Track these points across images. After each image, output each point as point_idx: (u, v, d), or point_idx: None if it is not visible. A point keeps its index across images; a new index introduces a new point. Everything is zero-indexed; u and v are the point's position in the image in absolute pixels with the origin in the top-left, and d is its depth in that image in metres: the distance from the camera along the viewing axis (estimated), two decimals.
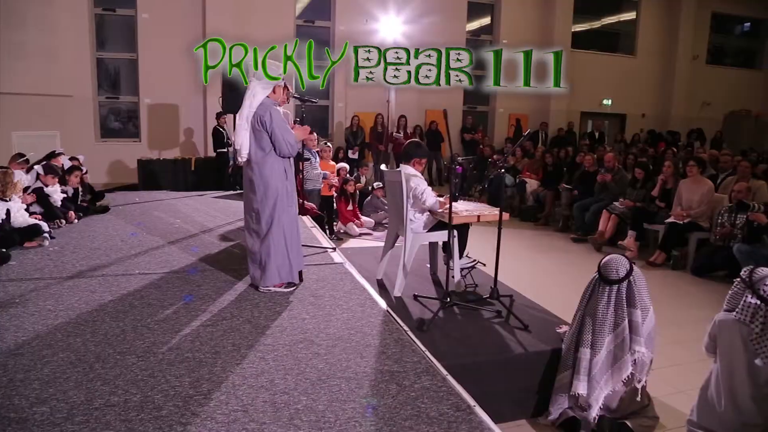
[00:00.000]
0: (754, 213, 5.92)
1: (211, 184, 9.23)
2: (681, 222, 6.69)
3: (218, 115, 9.68)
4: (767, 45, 18.39)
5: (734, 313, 2.88)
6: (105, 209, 6.37)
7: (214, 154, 10.00)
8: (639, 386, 3.01)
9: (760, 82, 18.33)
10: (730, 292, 2.95)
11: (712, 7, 16.99)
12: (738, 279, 2.92)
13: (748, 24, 18.72)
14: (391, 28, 12.16)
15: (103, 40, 11.47)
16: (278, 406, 2.28)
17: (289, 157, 3.65)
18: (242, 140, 3.53)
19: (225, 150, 9.67)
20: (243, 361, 2.68)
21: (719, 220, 6.32)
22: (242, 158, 3.61)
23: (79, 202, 6.13)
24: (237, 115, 3.64)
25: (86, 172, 6.91)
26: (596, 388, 2.98)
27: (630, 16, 16.26)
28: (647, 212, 7.23)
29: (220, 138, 9.71)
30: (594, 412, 2.98)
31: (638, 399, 3.03)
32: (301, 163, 6.26)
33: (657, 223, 7.05)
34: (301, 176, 5.95)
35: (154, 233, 5.25)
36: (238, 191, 7.99)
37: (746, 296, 2.82)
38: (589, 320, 3.07)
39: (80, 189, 6.28)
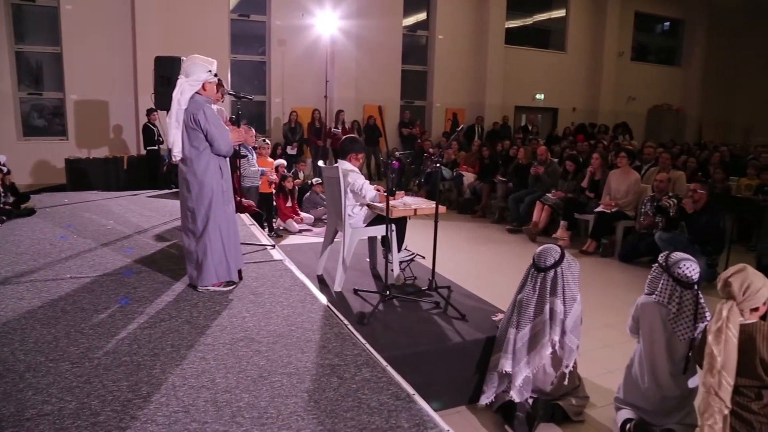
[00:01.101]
0: (674, 204, 6.29)
1: (145, 183, 8.96)
2: (609, 211, 7.03)
3: (149, 112, 9.41)
4: (685, 44, 19.45)
5: (654, 295, 3.08)
6: (31, 212, 6.08)
7: (145, 152, 9.72)
8: (566, 371, 3.16)
9: (680, 78, 19.40)
10: (649, 276, 3.16)
11: (635, 7, 17.84)
12: (656, 264, 3.13)
13: (667, 23, 19.75)
14: (327, 23, 12.14)
15: (23, 33, 10.89)
16: (220, 405, 2.29)
17: (225, 155, 3.62)
18: (173, 138, 3.47)
19: (156, 148, 9.41)
20: (183, 362, 2.65)
21: (642, 209, 6.69)
22: (175, 157, 3.55)
23: (1, 205, 5.84)
24: (168, 113, 3.57)
25: (8, 173, 6.57)
26: (518, 366, 3.11)
27: (560, 13, 16.85)
28: (578, 203, 7.55)
29: (150, 135, 9.45)
30: (517, 385, 3.11)
31: (565, 383, 3.19)
32: (237, 161, 6.19)
33: (587, 213, 7.38)
34: (238, 174, 5.88)
35: (85, 235, 5.07)
36: (174, 190, 7.80)
37: (663, 279, 3.02)
38: (518, 304, 3.22)
39: (2, 191, 5.98)
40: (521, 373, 3.11)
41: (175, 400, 2.31)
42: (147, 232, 5.32)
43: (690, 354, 2.95)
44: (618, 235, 7.01)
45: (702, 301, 2.96)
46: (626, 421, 3.02)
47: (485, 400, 3.21)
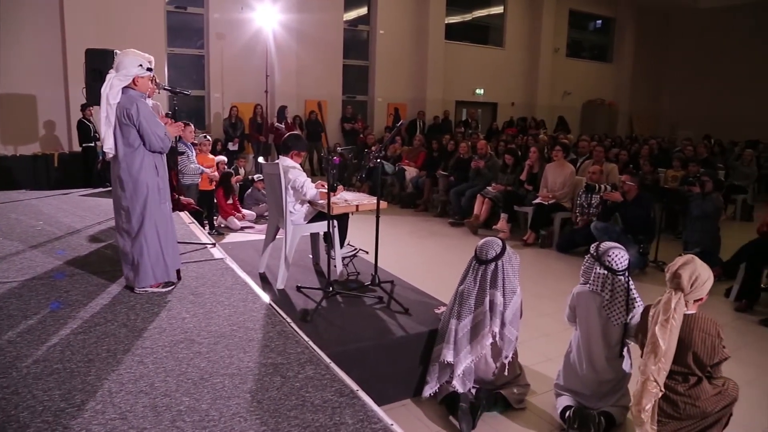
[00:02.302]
0: (607, 192, 6.57)
1: (78, 182, 8.59)
2: (547, 203, 7.25)
3: (83, 107, 9.02)
4: (616, 41, 20.24)
5: (588, 284, 3.21)
6: None
7: (80, 149, 9.31)
8: (506, 362, 3.24)
9: (611, 74, 20.19)
10: (583, 266, 3.29)
11: (569, 5, 18.40)
12: (588, 254, 3.26)
13: (599, 21, 20.50)
14: (267, 17, 11.95)
15: None
16: (159, 410, 2.23)
17: (160, 152, 3.51)
18: (104, 135, 3.34)
19: (92, 144, 9.04)
20: (119, 367, 2.57)
21: (578, 201, 6.93)
22: (107, 153, 3.43)
23: None
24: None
25: None
26: (459, 356, 3.18)
27: (498, 10, 17.19)
28: (517, 195, 7.75)
29: (86, 131, 9.07)
30: (459, 375, 3.18)
31: (505, 374, 3.28)
32: (176, 158, 6.03)
33: (526, 205, 7.59)
34: (176, 171, 5.73)
35: (12, 237, 4.82)
36: (108, 188, 7.52)
37: (596, 268, 3.16)
38: (460, 295, 3.28)
39: None
40: (462, 363, 3.17)
41: (112, 407, 2.24)
42: (80, 232, 5.11)
43: (624, 339, 3.09)
44: (556, 226, 7.24)
45: (633, 287, 3.11)
46: (566, 408, 3.13)
47: (429, 391, 3.26)
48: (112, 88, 3.32)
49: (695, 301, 2.72)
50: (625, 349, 3.14)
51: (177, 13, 11.98)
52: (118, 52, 3.89)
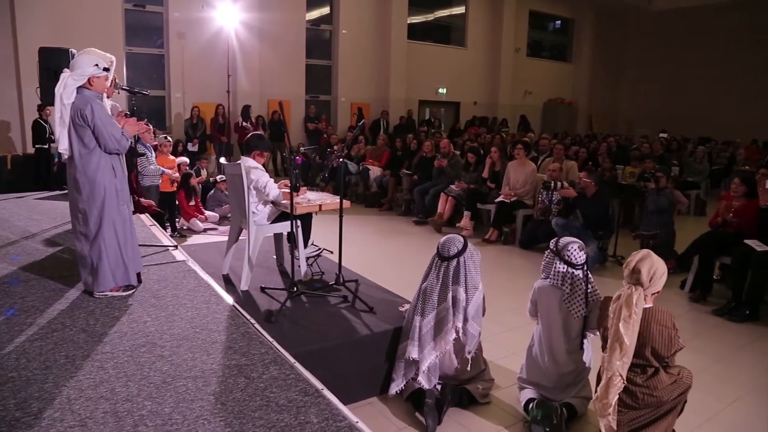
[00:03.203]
0: (561, 189, 6.72)
1: (33, 185, 8.34)
2: (509, 201, 7.36)
3: (40, 107, 8.76)
4: (575, 42, 20.70)
5: (549, 279, 3.28)
6: None
7: (33, 151, 9.05)
8: (469, 357, 3.28)
9: (571, 74, 20.62)
10: (543, 261, 3.36)
11: (529, 5, 18.72)
12: (548, 249, 3.33)
13: (559, 22, 20.92)
14: (228, 16, 11.82)
15: None
16: (120, 415, 2.19)
17: (117, 153, 3.44)
18: (59, 136, 3.26)
19: (47, 146, 8.79)
20: (78, 373, 2.52)
21: (539, 198, 7.07)
22: (63, 155, 3.35)
23: None
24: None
25: None
26: (423, 353, 3.21)
27: (460, 10, 17.37)
28: (480, 193, 7.85)
29: (41, 132, 8.82)
30: (424, 371, 3.21)
31: (468, 369, 3.32)
32: (135, 159, 5.92)
33: (488, 203, 7.69)
34: (135, 173, 5.62)
35: None
36: (65, 191, 7.32)
37: (556, 263, 3.23)
38: (423, 292, 3.31)
39: None
40: (427, 359, 3.20)
41: (71, 414, 2.19)
42: (35, 237, 4.97)
43: (584, 331, 3.17)
44: (518, 223, 7.36)
45: (592, 280, 3.19)
46: (529, 400, 3.19)
47: (395, 388, 3.28)
48: (66, 87, 3.23)
49: (652, 294, 2.81)
50: (585, 342, 3.22)
51: (135, 11, 11.75)
52: (74, 51, 3.79)
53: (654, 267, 2.76)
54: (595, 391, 2.86)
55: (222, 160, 4.54)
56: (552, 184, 6.84)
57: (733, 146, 13.18)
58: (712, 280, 5.54)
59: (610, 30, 21.01)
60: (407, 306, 3.63)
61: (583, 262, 3.19)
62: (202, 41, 12.09)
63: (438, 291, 3.26)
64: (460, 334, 3.22)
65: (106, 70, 3.36)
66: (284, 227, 4.16)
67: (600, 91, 21.01)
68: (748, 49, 17.68)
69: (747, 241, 4.98)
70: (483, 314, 3.38)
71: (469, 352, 3.27)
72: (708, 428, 3.21)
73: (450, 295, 3.23)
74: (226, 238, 4.57)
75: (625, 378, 2.70)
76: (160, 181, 6.89)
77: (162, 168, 6.91)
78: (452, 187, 8.09)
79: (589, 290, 3.15)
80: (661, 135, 13.26)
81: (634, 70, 21.62)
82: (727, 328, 4.74)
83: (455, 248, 3.30)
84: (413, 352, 3.20)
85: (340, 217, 3.92)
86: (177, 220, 7.33)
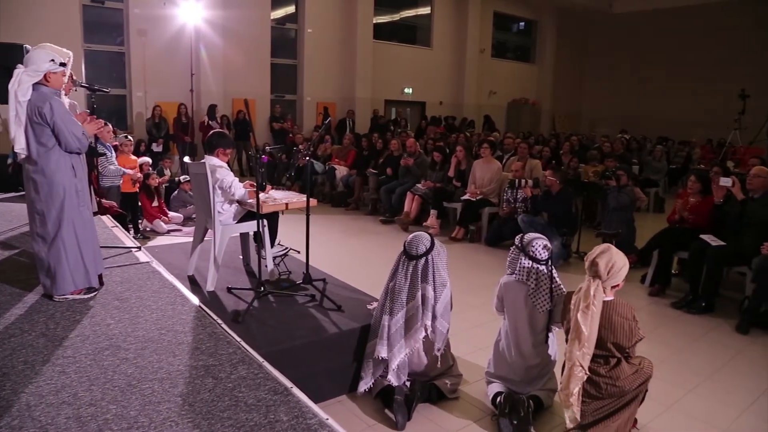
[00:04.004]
0: (524, 187, 6.84)
1: None
2: (474, 199, 7.44)
3: None
4: (538, 43, 21.04)
5: (514, 274, 3.33)
6: None
7: None
8: (438, 354, 3.31)
9: (534, 74, 20.96)
10: (508, 257, 3.41)
11: (493, 7, 18.94)
12: (513, 246, 3.38)
13: (522, 23, 21.24)
14: (191, 13, 11.63)
15: None
16: (84, 420, 2.14)
17: (78, 152, 3.36)
18: (14, 134, 3.15)
19: None
20: (38, 379, 2.44)
21: (504, 196, 7.16)
22: (19, 154, 3.24)
23: None
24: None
25: None
26: (393, 351, 3.22)
27: (426, 10, 17.45)
28: (446, 192, 7.91)
29: None
30: (394, 369, 3.22)
31: (438, 366, 3.35)
32: (95, 159, 5.78)
33: (455, 201, 7.76)
34: (96, 173, 5.49)
35: None
36: (22, 192, 7.10)
37: (521, 259, 3.28)
38: (391, 291, 3.32)
39: None
40: (397, 357, 3.21)
41: (31, 421, 2.13)
42: None
43: (549, 325, 3.23)
44: (484, 221, 7.44)
45: (556, 275, 3.26)
46: (497, 394, 3.24)
47: (364, 386, 3.28)
48: (20, 84, 3.13)
49: (612, 287, 2.88)
50: (550, 335, 3.28)
51: (94, 7, 11.45)
52: (28, 47, 3.67)
53: (612, 260, 2.83)
54: (560, 383, 2.92)
55: (186, 159, 4.46)
56: (517, 183, 6.94)
57: (689, 146, 13.58)
58: (670, 274, 5.70)
59: (572, 32, 21.42)
60: (375, 304, 3.64)
61: (547, 257, 3.25)
62: (165, 39, 11.86)
63: (407, 290, 3.27)
64: (429, 332, 3.24)
65: (63, 65, 3.27)
66: (250, 227, 4.12)
67: (563, 91, 21.41)
68: (703, 52, 18.26)
69: (702, 237, 5.15)
70: (450, 310, 3.41)
71: (438, 349, 3.30)
72: (668, 415, 3.31)
73: (419, 293, 3.24)
74: (191, 240, 4.50)
75: (586, 368, 2.76)
76: (121, 181, 6.74)
77: (123, 168, 6.76)
78: (418, 186, 8.13)
79: (553, 285, 3.21)
80: (620, 135, 13.58)
81: (595, 71, 22.11)
82: (685, 320, 4.89)
83: (423, 247, 3.32)
84: (382, 352, 3.20)
85: (307, 215, 3.90)
86: (140, 221, 7.19)
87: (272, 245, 4.26)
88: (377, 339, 3.26)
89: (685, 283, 5.45)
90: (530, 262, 3.24)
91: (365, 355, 3.36)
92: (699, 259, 5.08)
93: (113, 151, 6.75)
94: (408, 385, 3.29)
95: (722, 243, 5.03)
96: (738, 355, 4.22)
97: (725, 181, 5.20)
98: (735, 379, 3.84)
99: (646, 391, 3.00)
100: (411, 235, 3.43)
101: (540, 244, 3.26)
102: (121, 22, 11.75)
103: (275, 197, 4.17)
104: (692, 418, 3.31)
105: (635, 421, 3.06)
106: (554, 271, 3.27)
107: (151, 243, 6.55)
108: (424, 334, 3.24)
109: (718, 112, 14.61)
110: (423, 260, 3.30)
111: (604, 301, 2.82)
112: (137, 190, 7.09)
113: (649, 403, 3.12)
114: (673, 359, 4.08)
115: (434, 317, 3.26)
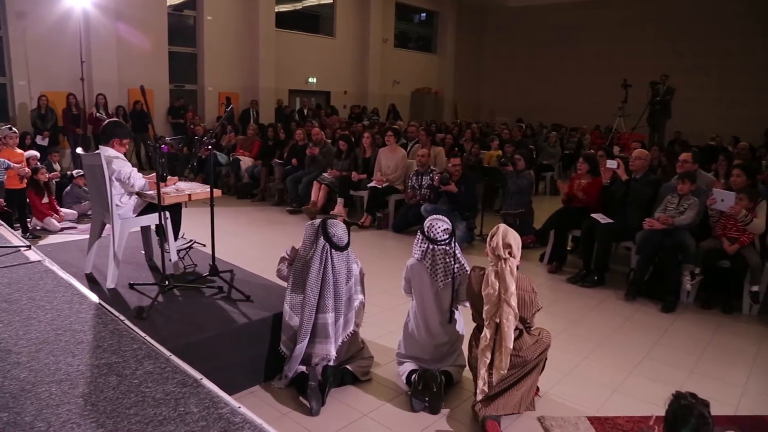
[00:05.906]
0: (444, 186, 6.99)
1: None
2: (381, 186, 7.55)
3: None
4: (439, 34, 21.55)
5: (418, 256, 3.45)
6: None
7: None
8: (359, 330, 3.40)
9: (436, 64, 21.44)
10: (415, 241, 3.52)
11: None
12: (419, 230, 3.51)
13: (424, 14, 21.64)
14: None
15: None
16: None
17: None
18: None
19: None
20: None
21: (409, 183, 7.33)
22: None
23: None
24: None
25: None
26: (315, 346, 3.29)
27: (328, 0, 17.35)
28: (352, 180, 7.96)
29: None
30: (316, 361, 3.28)
31: (346, 350, 3.42)
32: None
33: (361, 189, 7.83)
34: None
35: None
36: None
37: (425, 242, 3.41)
38: (327, 287, 3.29)
39: None
40: (321, 351, 3.29)
41: None
42: None
43: (455, 303, 3.37)
44: (390, 208, 7.58)
45: (460, 254, 3.39)
46: (411, 372, 3.34)
47: (280, 384, 3.32)
48: None
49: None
50: (456, 313, 3.42)
51: None
52: None
53: (517, 238, 3.03)
54: (469, 362, 3.06)
55: (79, 150, 4.21)
56: (424, 170, 7.11)
57: (580, 132, 14.44)
58: (566, 252, 6.09)
59: (471, 23, 22.10)
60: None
61: (446, 237, 3.37)
62: (48, 23, 11.02)
63: (333, 285, 3.30)
64: (352, 328, 3.37)
65: None
66: (152, 219, 3.97)
67: (464, 81, 22.08)
68: (590, 44, 19.48)
69: (593, 216, 5.54)
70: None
71: (358, 324, 3.43)
72: (567, 381, 3.56)
73: (344, 287, 3.34)
74: (86, 237, 4.26)
75: (508, 345, 2.90)
76: (5, 177, 6.23)
77: (8, 162, 6.26)
78: (325, 175, 8.13)
79: (456, 265, 3.35)
80: (518, 123, 14.24)
81: (493, 62, 22.97)
82: (580, 294, 5.26)
83: (347, 236, 3.37)
84: (332, 351, 3.26)
85: (212, 204, 3.81)
86: (29, 220, 6.69)
87: (176, 238, 4.12)
88: (317, 339, 3.28)
89: (578, 259, 5.84)
90: (433, 244, 3.36)
91: (294, 356, 3.30)
92: (591, 236, 5.46)
93: None
94: (320, 371, 3.32)
95: (610, 220, 5.43)
96: (626, 322, 4.61)
97: (611, 164, 5.61)
98: (624, 342, 4.20)
99: (546, 360, 3.21)
100: (332, 225, 3.36)
101: (440, 227, 3.39)
102: None
103: (177, 188, 4.03)
104: (588, 381, 3.58)
105: (537, 389, 3.27)
106: (458, 251, 3.40)
107: (42, 242, 6.13)
108: (352, 329, 3.37)
109: (606, 101, 15.62)
110: (346, 252, 3.35)
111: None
112: (24, 186, 6.59)
113: (549, 371, 3.34)
114: (570, 330, 4.38)
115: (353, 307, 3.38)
